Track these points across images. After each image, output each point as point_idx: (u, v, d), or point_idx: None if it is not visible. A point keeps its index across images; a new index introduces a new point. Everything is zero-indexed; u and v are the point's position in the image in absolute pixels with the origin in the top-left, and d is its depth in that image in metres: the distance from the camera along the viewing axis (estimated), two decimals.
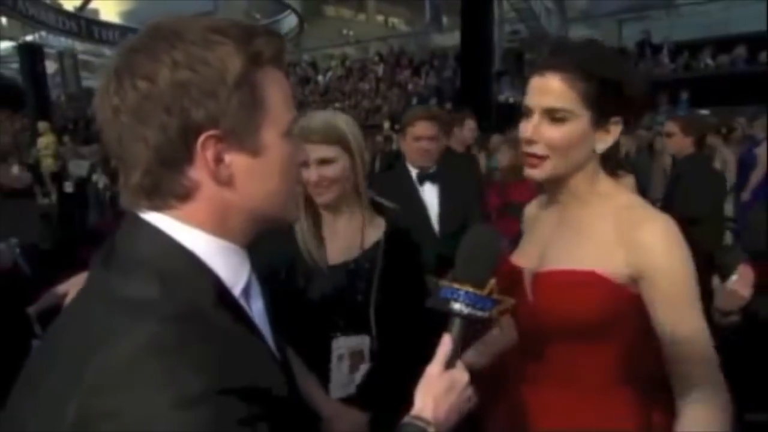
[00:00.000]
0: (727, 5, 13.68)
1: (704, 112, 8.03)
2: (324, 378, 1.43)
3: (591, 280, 1.04)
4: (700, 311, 1.02)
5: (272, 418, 0.60)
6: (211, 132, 0.62)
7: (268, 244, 0.78)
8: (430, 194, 2.62)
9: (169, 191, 0.65)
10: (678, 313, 1.01)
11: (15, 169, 5.54)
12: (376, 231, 1.53)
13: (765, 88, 7.91)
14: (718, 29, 12.93)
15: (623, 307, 1.04)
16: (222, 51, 0.62)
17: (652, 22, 13.77)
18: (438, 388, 0.82)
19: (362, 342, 1.47)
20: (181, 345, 0.56)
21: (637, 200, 1.11)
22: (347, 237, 1.50)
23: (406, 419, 0.80)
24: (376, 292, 1.47)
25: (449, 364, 0.85)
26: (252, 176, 0.67)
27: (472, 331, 0.90)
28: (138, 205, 0.66)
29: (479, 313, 0.86)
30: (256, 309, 0.74)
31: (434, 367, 0.84)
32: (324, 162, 1.38)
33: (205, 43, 0.62)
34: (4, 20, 18.05)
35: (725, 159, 5.59)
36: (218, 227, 0.67)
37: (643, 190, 4.89)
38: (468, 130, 4.01)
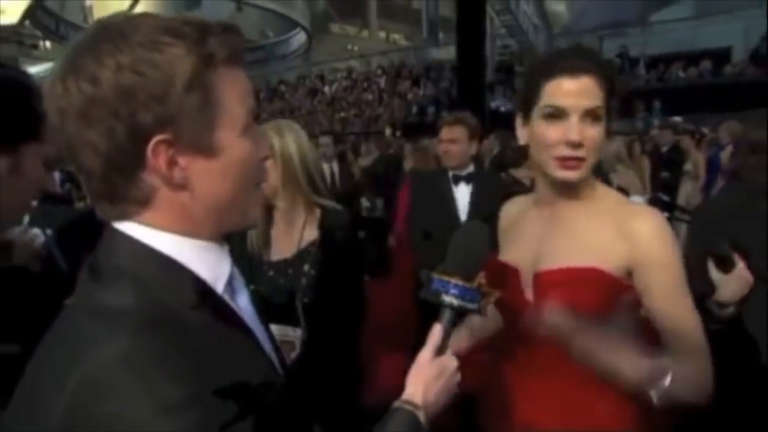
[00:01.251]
0: (693, 24, 13.83)
1: (677, 118, 8.21)
2: None
3: (593, 276, 1.00)
4: (691, 300, 1.01)
5: (262, 408, 0.56)
6: (162, 136, 0.56)
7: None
8: (463, 194, 2.69)
9: (127, 197, 0.59)
10: (673, 300, 0.99)
11: (57, 176, 5.60)
12: (314, 231, 1.54)
13: (728, 97, 8.09)
14: (686, 45, 13.04)
15: (625, 300, 1.01)
16: (171, 53, 0.56)
17: (629, 38, 13.82)
18: (428, 373, 0.79)
19: (293, 333, 1.48)
20: (156, 354, 0.52)
21: (624, 198, 1.11)
22: (288, 237, 1.53)
23: (397, 403, 0.77)
24: (305, 288, 1.49)
25: (439, 351, 0.82)
26: (210, 178, 0.61)
27: (461, 320, 0.88)
28: (105, 213, 0.62)
29: (468, 305, 0.84)
30: (242, 302, 0.70)
31: (425, 354, 0.81)
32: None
33: (153, 44, 0.55)
34: (48, 44, 18.17)
35: (696, 161, 5.73)
36: (186, 228, 0.62)
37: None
38: None
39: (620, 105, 1.10)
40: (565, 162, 1.00)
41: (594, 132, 0.99)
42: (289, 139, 1.49)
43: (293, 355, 1.48)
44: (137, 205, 0.60)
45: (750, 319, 1.45)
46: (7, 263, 1.08)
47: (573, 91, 0.99)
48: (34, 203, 0.98)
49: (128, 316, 0.54)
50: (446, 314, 0.85)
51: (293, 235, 1.53)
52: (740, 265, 1.36)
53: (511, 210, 1.25)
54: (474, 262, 0.87)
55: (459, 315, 0.85)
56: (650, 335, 1.02)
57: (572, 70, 0.99)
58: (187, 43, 0.57)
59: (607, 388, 1.04)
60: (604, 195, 1.09)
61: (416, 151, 5.81)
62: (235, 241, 1.41)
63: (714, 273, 1.36)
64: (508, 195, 1.33)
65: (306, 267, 1.51)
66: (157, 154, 0.57)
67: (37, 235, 1.60)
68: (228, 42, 0.60)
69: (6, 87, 0.80)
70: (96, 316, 0.56)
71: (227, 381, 0.54)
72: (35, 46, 18.36)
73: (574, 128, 0.98)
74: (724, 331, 1.39)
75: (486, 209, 2.66)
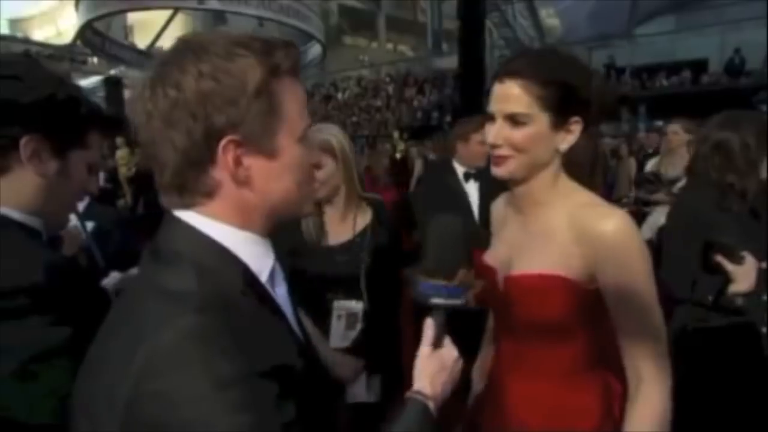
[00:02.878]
0: (674, 38, 13.81)
1: (659, 123, 8.11)
2: (324, 332, 1.52)
3: (556, 283, 0.94)
4: (656, 303, 0.93)
5: (296, 392, 0.57)
6: (232, 137, 0.58)
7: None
8: (473, 189, 2.68)
9: (195, 189, 0.61)
10: (635, 303, 0.91)
11: (101, 178, 5.64)
12: (364, 219, 1.60)
13: (705, 104, 7.98)
14: (668, 56, 12.97)
15: (586, 305, 0.95)
16: (243, 63, 0.58)
17: (616, 49, 13.73)
18: (431, 367, 0.79)
19: (357, 306, 1.54)
20: (216, 333, 0.53)
21: (594, 198, 0.99)
22: (342, 224, 1.58)
23: (409, 394, 0.77)
24: (366, 266, 1.55)
25: (436, 345, 0.82)
26: (268, 177, 0.62)
27: (453, 314, 0.85)
28: (172, 203, 0.63)
29: (453, 301, 0.83)
30: (280, 292, 0.70)
31: (424, 350, 0.81)
32: (315, 167, 1.45)
33: (228, 55, 0.58)
34: (95, 59, 18.62)
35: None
36: (242, 221, 0.63)
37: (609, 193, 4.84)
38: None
39: (606, 109, 1.03)
40: (494, 159, 0.98)
41: (515, 134, 0.93)
42: (344, 141, 1.54)
43: (358, 326, 1.54)
44: (202, 196, 0.61)
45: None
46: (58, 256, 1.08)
47: (497, 96, 0.95)
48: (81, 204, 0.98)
49: (192, 298, 0.55)
50: (437, 313, 0.83)
51: (348, 223, 1.58)
52: (747, 255, 1.33)
53: (499, 208, 1.19)
54: (452, 257, 0.84)
55: (448, 311, 0.84)
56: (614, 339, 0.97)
57: (500, 76, 0.95)
58: (256, 55, 0.59)
59: (591, 385, 1.02)
60: (569, 195, 0.99)
61: (372, 153, 6.02)
62: (288, 232, 1.46)
63: (729, 266, 1.33)
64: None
65: (364, 249, 1.56)
66: (226, 152, 0.59)
67: (80, 230, 1.64)
68: (290, 55, 0.62)
69: (62, 102, 0.82)
70: (161, 296, 0.57)
71: (271, 361, 0.55)
72: (84, 62, 18.95)
73: (492, 131, 0.96)
74: (731, 327, 1.41)
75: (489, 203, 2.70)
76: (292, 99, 0.63)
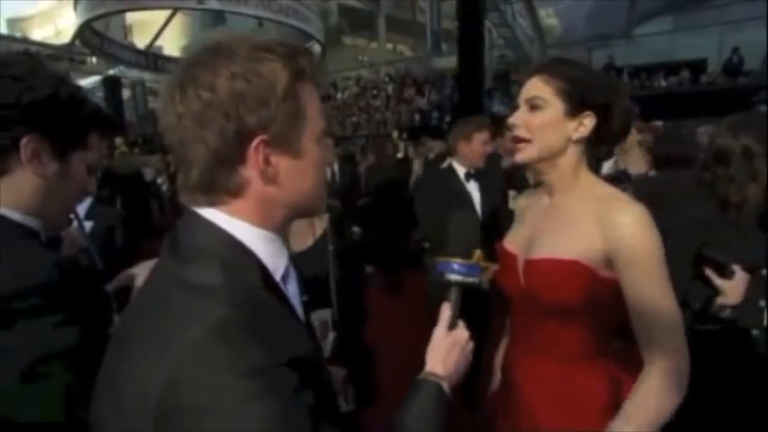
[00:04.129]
0: (672, 38, 13.83)
1: (658, 123, 8.10)
2: None
3: (574, 269, 0.99)
4: (669, 291, 0.97)
5: (314, 383, 0.59)
6: (262, 136, 0.61)
7: None
8: (474, 188, 2.69)
9: (222, 188, 0.62)
10: (650, 292, 0.95)
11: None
12: (322, 223, 1.58)
13: (703, 104, 8.01)
14: (667, 56, 12.96)
15: (601, 291, 1.00)
16: (272, 66, 0.60)
17: (615, 49, 13.72)
18: (444, 347, 0.81)
19: (326, 314, 1.52)
20: (245, 325, 0.55)
21: (613, 191, 1.06)
22: (302, 230, 1.56)
23: (422, 375, 0.79)
24: (333, 270, 1.53)
25: (451, 327, 0.84)
26: (293, 175, 0.65)
27: (468, 296, 0.88)
28: (195, 201, 0.64)
29: (470, 279, 0.86)
30: (292, 290, 0.72)
31: (439, 331, 0.84)
32: None
33: (257, 58, 0.60)
34: (94, 59, 18.48)
35: None
36: (261, 219, 0.65)
37: None
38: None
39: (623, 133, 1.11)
40: (515, 145, 1.08)
41: (533, 118, 1.04)
42: None
43: (330, 334, 1.52)
44: (228, 195, 0.63)
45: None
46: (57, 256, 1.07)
47: (524, 89, 1.08)
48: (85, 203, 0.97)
49: (220, 292, 0.57)
50: (452, 292, 0.86)
51: (306, 228, 1.57)
52: (737, 270, 1.35)
53: (522, 200, 1.27)
54: (469, 243, 0.88)
55: (464, 290, 0.87)
56: (627, 324, 1.01)
57: (530, 74, 1.07)
58: (282, 59, 0.61)
59: (599, 370, 1.05)
60: (590, 187, 1.07)
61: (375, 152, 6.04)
62: None
63: (718, 281, 1.35)
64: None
65: (328, 254, 1.55)
66: (257, 151, 0.61)
67: (79, 231, 1.61)
68: (311, 61, 0.65)
69: (64, 103, 0.81)
70: (187, 290, 0.58)
71: (290, 353, 0.57)
72: (83, 62, 18.82)
73: (516, 113, 1.07)
74: (723, 331, 1.40)
75: (494, 201, 2.69)
76: (312, 101, 0.66)
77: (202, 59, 0.61)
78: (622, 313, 1.00)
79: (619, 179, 3.36)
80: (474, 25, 9.14)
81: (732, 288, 1.34)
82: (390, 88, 17.00)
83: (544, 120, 1.03)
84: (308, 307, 1.41)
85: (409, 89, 16.18)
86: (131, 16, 20.48)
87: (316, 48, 16.52)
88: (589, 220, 1.01)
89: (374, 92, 17.24)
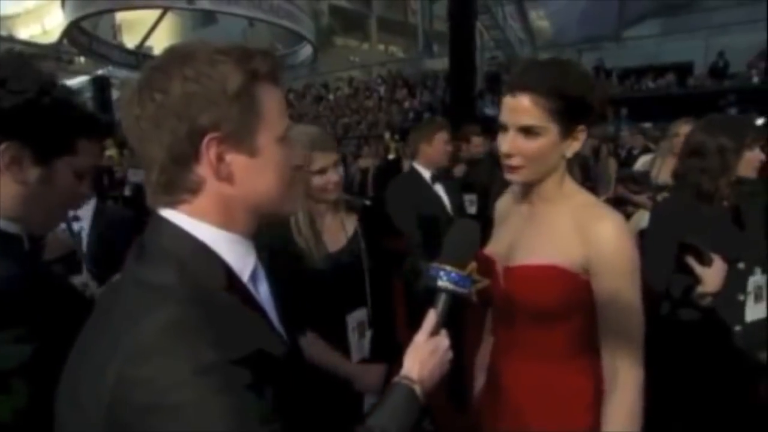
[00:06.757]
0: (659, 41, 14.01)
1: (647, 124, 8.19)
2: (342, 347, 1.47)
3: (553, 273, 1.01)
4: (639, 305, 0.99)
5: (276, 381, 0.59)
6: (214, 134, 0.62)
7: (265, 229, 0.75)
8: (440, 190, 2.66)
9: (180, 186, 0.63)
10: (619, 304, 0.97)
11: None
12: (352, 222, 1.56)
13: (690, 106, 8.11)
14: (655, 59, 13.13)
15: (580, 294, 1.01)
16: (224, 68, 0.62)
17: (604, 52, 13.86)
18: (423, 352, 0.81)
19: (363, 314, 1.52)
20: (197, 323, 0.56)
21: (594, 200, 1.08)
22: (334, 229, 1.53)
23: (396, 379, 0.79)
24: (367, 270, 1.52)
25: (433, 333, 0.84)
26: (249, 174, 0.65)
27: (455, 305, 0.88)
28: (159, 201, 0.65)
29: (460, 290, 0.85)
30: (263, 291, 0.72)
31: (421, 336, 0.83)
32: (336, 166, 1.46)
33: (210, 61, 0.62)
34: (82, 59, 18.23)
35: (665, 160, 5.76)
36: (225, 220, 0.66)
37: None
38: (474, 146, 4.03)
39: (602, 114, 1.09)
40: (508, 168, 1.05)
41: (528, 145, 1.01)
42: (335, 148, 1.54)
43: (367, 333, 1.52)
44: (187, 193, 0.64)
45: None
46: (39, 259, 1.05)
47: (510, 109, 1.01)
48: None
49: (173, 291, 0.58)
50: (441, 298, 0.85)
51: (338, 228, 1.55)
52: (716, 258, 1.39)
53: (503, 204, 1.26)
54: (466, 253, 0.88)
55: (452, 299, 0.86)
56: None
57: (513, 88, 1.01)
58: (235, 61, 0.63)
59: (584, 367, 1.06)
60: (572, 196, 1.07)
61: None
62: (280, 242, 1.41)
63: (698, 268, 1.39)
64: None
65: (362, 252, 1.54)
66: (209, 149, 0.62)
67: (64, 233, 1.55)
68: (267, 61, 0.66)
69: (47, 108, 0.78)
70: (143, 288, 0.60)
71: (246, 350, 0.57)
72: (71, 62, 18.53)
73: (506, 141, 1.03)
74: (703, 320, 1.43)
75: (456, 201, 2.69)
76: (270, 101, 0.66)
77: (160, 63, 0.63)
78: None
79: (635, 180, 3.35)
80: (465, 27, 9.17)
81: (711, 275, 1.37)
82: (382, 90, 16.97)
83: (540, 147, 1.01)
84: (341, 306, 1.46)
85: (401, 90, 16.17)
86: (121, 16, 20.28)
87: (308, 49, 16.49)
88: (569, 228, 1.01)
89: (366, 93, 17.20)
